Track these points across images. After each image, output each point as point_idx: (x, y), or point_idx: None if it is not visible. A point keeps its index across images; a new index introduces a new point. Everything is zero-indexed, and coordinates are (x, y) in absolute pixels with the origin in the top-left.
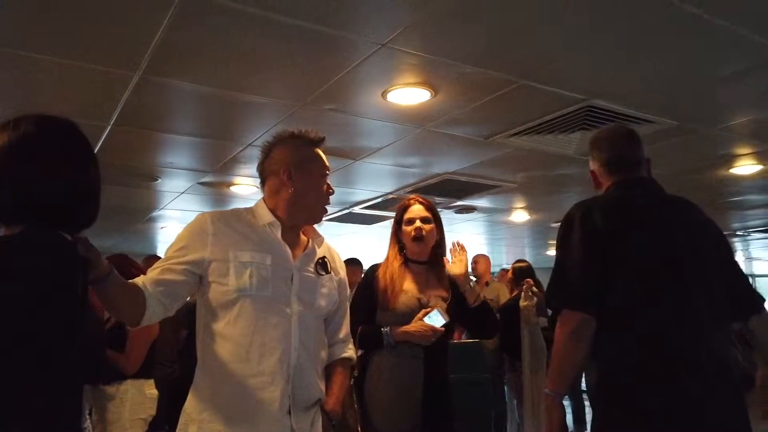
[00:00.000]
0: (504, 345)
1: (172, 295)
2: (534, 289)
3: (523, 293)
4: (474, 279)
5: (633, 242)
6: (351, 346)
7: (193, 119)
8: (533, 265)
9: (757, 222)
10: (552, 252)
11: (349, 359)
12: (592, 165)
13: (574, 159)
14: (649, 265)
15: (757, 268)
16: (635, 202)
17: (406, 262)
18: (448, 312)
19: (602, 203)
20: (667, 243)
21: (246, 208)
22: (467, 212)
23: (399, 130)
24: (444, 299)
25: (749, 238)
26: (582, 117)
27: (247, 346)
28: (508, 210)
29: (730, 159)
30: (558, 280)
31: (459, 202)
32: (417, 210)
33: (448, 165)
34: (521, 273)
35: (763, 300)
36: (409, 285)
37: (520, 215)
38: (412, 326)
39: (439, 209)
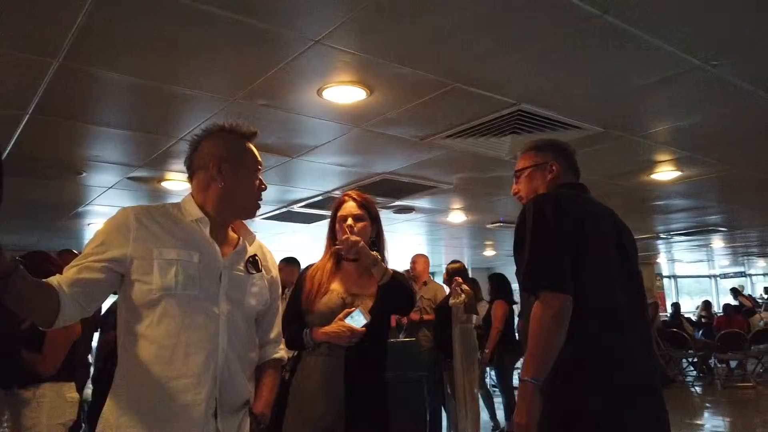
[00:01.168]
0: (439, 343)
1: (89, 295)
2: (464, 287)
3: (452, 291)
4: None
5: (596, 233)
6: (282, 346)
7: (120, 111)
8: (471, 266)
9: (679, 225)
10: (489, 252)
11: (279, 360)
12: (555, 166)
13: (508, 162)
14: (607, 257)
15: (679, 269)
16: (590, 200)
17: (340, 260)
18: (374, 311)
19: (567, 195)
20: (618, 239)
21: (173, 204)
22: (406, 212)
23: (336, 129)
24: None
25: (672, 240)
26: (513, 121)
27: (171, 347)
28: (446, 211)
29: (652, 165)
30: (536, 263)
31: (398, 202)
32: (349, 207)
33: (385, 165)
34: (454, 273)
35: None
36: (337, 284)
37: (457, 216)
38: (330, 327)
39: (378, 208)
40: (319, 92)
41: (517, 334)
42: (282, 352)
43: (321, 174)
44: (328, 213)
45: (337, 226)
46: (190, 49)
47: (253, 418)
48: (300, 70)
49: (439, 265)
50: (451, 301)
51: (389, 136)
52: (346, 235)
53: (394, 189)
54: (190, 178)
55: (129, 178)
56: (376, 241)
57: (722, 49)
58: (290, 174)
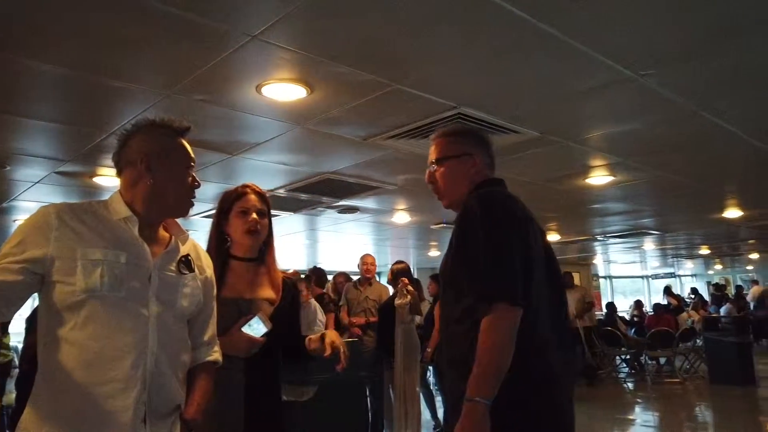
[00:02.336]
0: (381, 343)
1: (6, 299)
2: (409, 287)
3: (398, 292)
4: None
5: (534, 238)
6: (217, 348)
7: (48, 102)
8: (416, 266)
9: (615, 228)
10: (434, 253)
11: (213, 363)
12: (477, 158)
13: None
14: (540, 263)
15: (614, 270)
16: (519, 200)
17: (229, 259)
18: (280, 318)
19: (509, 196)
20: (542, 239)
21: (100, 201)
22: (350, 212)
23: (277, 126)
24: (271, 302)
25: (608, 242)
26: (454, 124)
27: (96, 351)
28: (391, 211)
29: (587, 170)
30: (492, 272)
31: (342, 202)
32: (254, 200)
33: (329, 164)
34: (399, 273)
35: None
36: (229, 288)
37: (402, 216)
38: (230, 337)
39: (322, 209)
40: (258, 89)
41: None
42: (216, 355)
43: (263, 172)
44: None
45: (235, 217)
46: (123, 41)
47: (184, 424)
48: (237, 65)
49: (385, 265)
50: (397, 301)
51: (332, 136)
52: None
53: (338, 189)
54: (119, 175)
55: (58, 173)
56: (269, 239)
57: (650, 61)
58: (231, 172)
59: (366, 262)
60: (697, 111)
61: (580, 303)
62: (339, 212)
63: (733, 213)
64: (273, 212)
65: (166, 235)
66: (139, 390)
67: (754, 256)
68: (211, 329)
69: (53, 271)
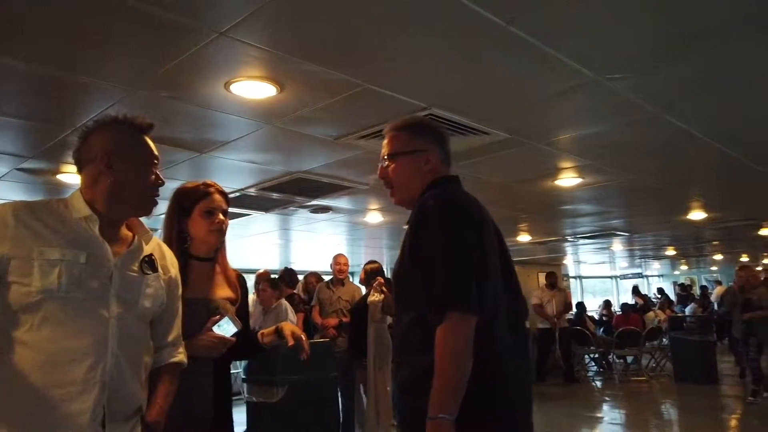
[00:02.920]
0: (353, 343)
1: None
2: (384, 287)
3: (373, 289)
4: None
5: (490, 239)
6: (182, 350)
7: (8, 97)
8: (389, 266)
9: (585, 229)
10: None
11: (178, 364)
12: (432, 154)
13: None
14: (496, 265)
15: (584, 270)
16: (476, 199)
17: (189, 259)
18: (239, 317)
19: (467, 198)
20: (498, 239)
21: (59, 199)
22: (323, 212)
23: (247, 125)
24: (232, 302)
25: (578, 243)
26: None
27: (53, 353)
28: (364, 211)
29: (556, 171)
30: (448, 279)
31: (314, 202)
32: (219, 201)
33: (300, 163)
34: (373, 273)
35: None
36: (194, 288)
37: (374, 217)
38: (201, 339)
39: (294, 208)
40: (227, 86)
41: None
42: (181, 356)
43: (233, 171)
44: (242, 211)
45: (200, 217)
46: (88, 36)
47: (146, 427)
48: (205, 62)
49: (359, 265)
50: (370, 298)
51: (303, 135)
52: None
53: (311, 188)
54: (79, 172)
55: (20, 170)
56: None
57: (617, 65)
58: (201, 170)
59: (339, 263)
60: (663, 115)
61: (563, 304)
62: (311, 212)
63: (698, 215)
64: (244, 212)
65: (129, 234)
66: (98, 393)
67: (718, 257)
68: (176, 330)
69: (9, 271)
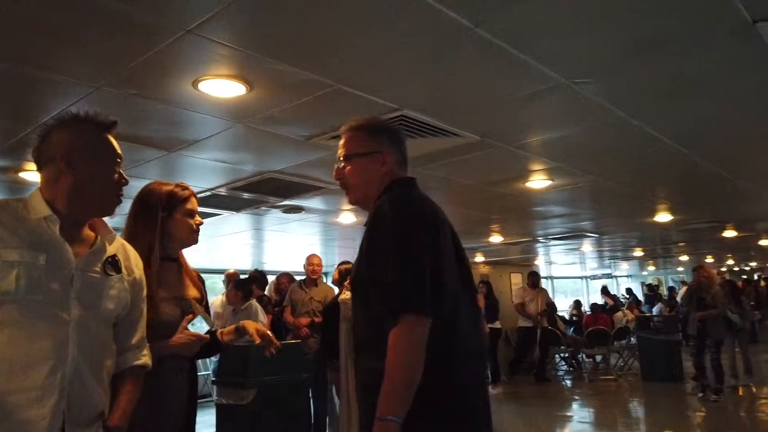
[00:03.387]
0: (325, 343)
1: None
2: None
3: (344, 288)
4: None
5: (446, 241)
6: (146, 352)
7: None
8: None
9: (556, 230)
10: None
11: (142, 367)
12: (388, 156)
13: None
14: (452, 267)
15: (555, 271)
16: (432, 200)
17: (162, 259)
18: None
19: (423, 199)
20: (454, 241)
21: (18, 199)
22: (295, 212)
23: (216, 123)
24: (198, 301)
25: (549, 244)
26: (396, 126)
27: (9, 358)
28: (336, 211)
29: (527, 173)
30: (402, 282)
31: (286, 202)
32: (196, 202)
33: (272, 163)
34: (346, 273)
35: None
36: (170, 288)
37: (347, 217)
38: (180, 337)
39: (266, 208)
40: (195, 84)
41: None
42: (145, 359)
43: (203, 170)
44: (212, 211)
45: (184, 218)
46: (51, 30)
47: None
48: (172, 59)
49: (332, 265)
50: (341, 296)
51: (274, 135)
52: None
53: (282, 188)
54: (39, 171)
55: None
56: None
57: (584, 69)
58: (170, 169)
59: (312, 263)
60: (629, 119)
61: (545, 303)
62: (284, 212)
63: (664, 217)
64: (215, 211)
65: (92, 234)
66: (57, 398)
67: (684, 258)
68: (140, 332)
69: None
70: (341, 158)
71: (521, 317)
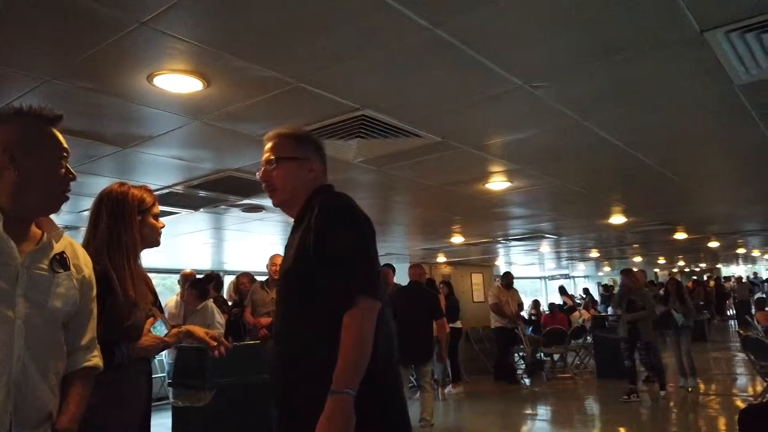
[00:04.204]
0: None
1: None
2: None
3: None
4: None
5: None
6: (96, 353)
7: None
8: None
9: (515, 231)
10: None
11: (92, 369)
12: (315, 164)
13: (356, 165)
14: None
15: (515, 271)
16: None
17: None
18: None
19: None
20: None
21: None
22: (255, 211)
23: (172, 120)
24: (153, 303)
25: (509, 245)
26: (357, 125)
27: None
28: None
29: (487, 175)
30: (362, 268)
31: (246, 201)
32: (158, 205)
33: (231, 161)
34: None
35: None
36: (136, 290)
37: None
38: (147, 339)
39: (225, 207)
40: (150, 79)
41: None
42: (96, 360)
43: (159, 167)
44: (170, 209)
45: (154, 220)
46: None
47: None
48: (125, 52)
49: None
50: None
51: (233, 132)
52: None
53: (242, 187)
54: None
55: None
56: None
57: (541, 73)
58: (125, 165)
59: (275, 263)
60: (583, 123)
61: (516, 303)
62: (243, 211)
63: (618, 219)
64: (171, 209)
65: (38, 231)
66: (3, 399)
67: (638, 259)
68: (90, 333)
69: None
70: (271, 160)
71: (496, 317)
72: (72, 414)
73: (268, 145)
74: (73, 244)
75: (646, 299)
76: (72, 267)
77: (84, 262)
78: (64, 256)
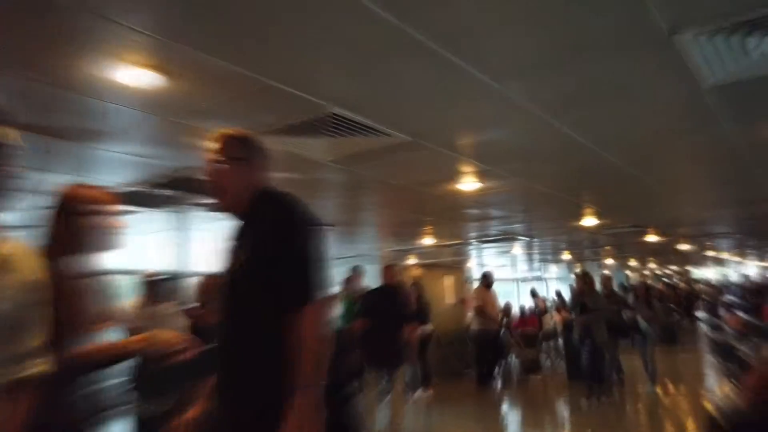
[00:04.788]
0: None
1: None
2: None
3: None
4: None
5: None
6: (44, 360)
7: None
8: None
9: (488, 232)
10: None
11: (39, 375)
12: (259, 164)
13: (326, 164)
14: None
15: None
16: None
17: None
18: None
19: None
20: None
21: None
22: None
23: (131, 115)
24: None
25: (482, 247)
26: (326, 124)
27: None
28: None
29: (458, 175)
30: (314, 270)
31: (210, 200)
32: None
33: (194, 159)
34: None
35: None
36: None
37: None
38: (105, 346)
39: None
40: (106, 72)
41: None
42: (43, 366)
43: (117, 164)
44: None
45: (101, 223)
46: None
47: None
48: (80, 44)
49: None
50: None
51: (197, 129)
52: None
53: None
54: None
55: None
56: None
57: (511, 72)
58: (81, 162)
59: None
60: (553, 123)
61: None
62: (208, 210)
63: (590, 221)
64: (131, 209)
65: None
66: None
67: (610, 261)
68: (38, 339)
69: None
70: (221, 159)
71: (478, 319)
72: (20, 422)
73: (216, 145)
74: (18, 245)
75: (598, 302)
76: (15, 270)
77: (28, 266)
78: (9, 258)
